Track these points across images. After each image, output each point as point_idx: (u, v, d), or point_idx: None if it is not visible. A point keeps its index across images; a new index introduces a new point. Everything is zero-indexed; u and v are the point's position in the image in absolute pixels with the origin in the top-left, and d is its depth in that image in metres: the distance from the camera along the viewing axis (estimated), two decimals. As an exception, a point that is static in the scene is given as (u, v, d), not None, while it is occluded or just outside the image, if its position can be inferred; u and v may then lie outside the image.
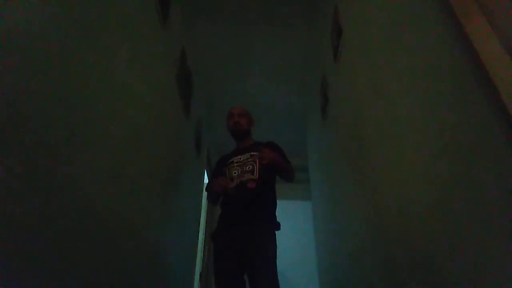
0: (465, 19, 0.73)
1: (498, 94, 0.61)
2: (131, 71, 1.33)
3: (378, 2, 1.30)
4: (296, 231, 3.90)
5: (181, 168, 2.25)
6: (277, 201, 1.75)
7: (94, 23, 1.04)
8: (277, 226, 1.62)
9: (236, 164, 1.73)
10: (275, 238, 1.58)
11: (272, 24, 2.62)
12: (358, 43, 1.57)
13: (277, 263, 1.50)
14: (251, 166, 1.68)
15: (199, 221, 3.11)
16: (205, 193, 3.19)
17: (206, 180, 3.38)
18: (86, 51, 0.99)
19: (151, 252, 1.56)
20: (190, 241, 2.62)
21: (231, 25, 2.64)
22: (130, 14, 1.35)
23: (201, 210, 3.17)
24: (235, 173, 1.69)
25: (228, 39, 2.76)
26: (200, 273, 3.12)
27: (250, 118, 1.95)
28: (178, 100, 2.14)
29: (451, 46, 0.79)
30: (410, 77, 1.01)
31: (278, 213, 1.68)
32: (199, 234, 3.12)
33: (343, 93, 1.90)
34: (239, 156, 1.77)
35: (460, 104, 0.76)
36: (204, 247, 3.33)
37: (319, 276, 2.90)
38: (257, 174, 1.65)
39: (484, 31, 0.69)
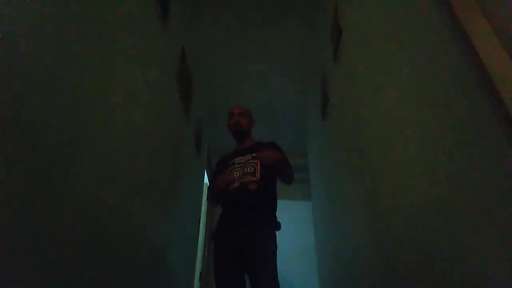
0: (465, 19, 0.73)
1: (498, 94, 0.61)
2: (131, 71, 1.33)
3: (378, 2, 1.30)
4: (296, 231, 3.90)
5: (181, 168, 2.25)
6: (277, 201, 1.75)
7: (94, 23, 1.04)
8: (278, 226, 1.62)
9: (237, 165, 1.73)
10: (276, 238, 1.58)
11: (272, 24, 2.62)
12: (358, 43, 1.57)
13: (277, 263, 1.50)
14: (252, 168, 1.68)
15: (199, 221, 3.11)
16: (205, 193, 3.21)
17: (206, 180, 3.38)
18: (86, 51, 0.99)
19: (151, 251, 1.56)
20: (190, 241, 2.62)
21: (231, 25, 2.64)
22: (130, 14, 1.35)
23: (201, 210, 3.17)
24: (236, 174, 1.68)
25: (228, 39, 2.76)
26: (200, 273, 3.13)
27: (250, 117, 1.95)
28: (178, 100, 2.14)
29: (451, 46, 0.79)
30: (410, 77, 1.01)
31: (278, 213, 1.68)
32: (199, 234, 3.12)
33: (343, 93, 1.90)
34: (240, 157, 1.77)
35: (460, 103, 0.76)
36: (204, 247, 3.33)
37: (319, 276, 2.90)
38: (258, 176, 1.65)
39: (484, 31, 0.69)
